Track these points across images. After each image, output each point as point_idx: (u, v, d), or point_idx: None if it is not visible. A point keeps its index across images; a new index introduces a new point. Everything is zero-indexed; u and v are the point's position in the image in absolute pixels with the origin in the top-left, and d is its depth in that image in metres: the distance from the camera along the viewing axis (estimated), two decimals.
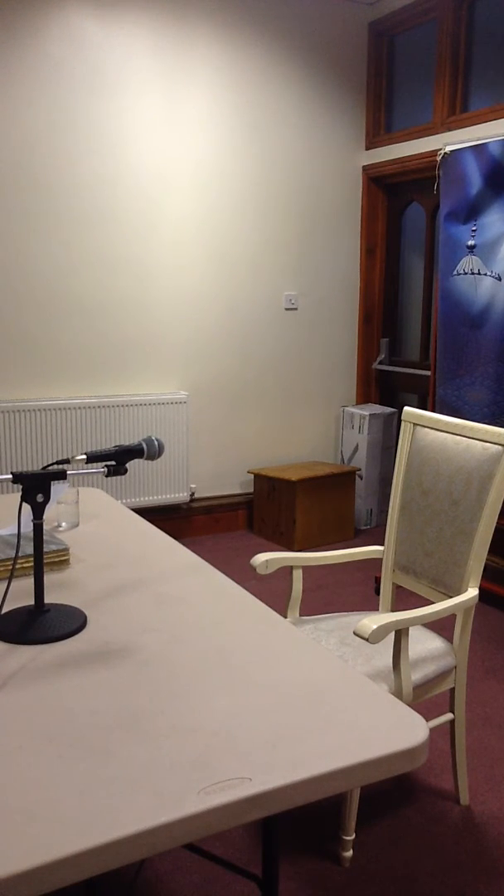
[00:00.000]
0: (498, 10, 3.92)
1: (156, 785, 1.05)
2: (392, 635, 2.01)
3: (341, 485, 4.51)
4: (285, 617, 2.31)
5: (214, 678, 1.33)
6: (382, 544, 2.41)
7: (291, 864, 2.02)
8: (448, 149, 3.59)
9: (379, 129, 4.68)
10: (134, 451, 1.66)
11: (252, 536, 4.63)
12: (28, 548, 1.85)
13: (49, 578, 1.81)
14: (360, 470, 4.71)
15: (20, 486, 1.61)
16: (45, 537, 1.92)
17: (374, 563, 4.08)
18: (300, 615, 2.71)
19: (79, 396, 4.15)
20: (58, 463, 1.56)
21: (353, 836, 2.01)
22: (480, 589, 3.66)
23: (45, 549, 1.84)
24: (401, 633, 1.92)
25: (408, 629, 1.92)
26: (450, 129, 4.11)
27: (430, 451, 2.27)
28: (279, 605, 3.59)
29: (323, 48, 4.51)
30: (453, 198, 3.59)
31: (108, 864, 0.95)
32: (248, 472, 4.64)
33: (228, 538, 4.59)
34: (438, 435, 2.26)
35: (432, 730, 2.51)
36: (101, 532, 2.15)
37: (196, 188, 4.28)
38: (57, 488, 2.15)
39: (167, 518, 4.47)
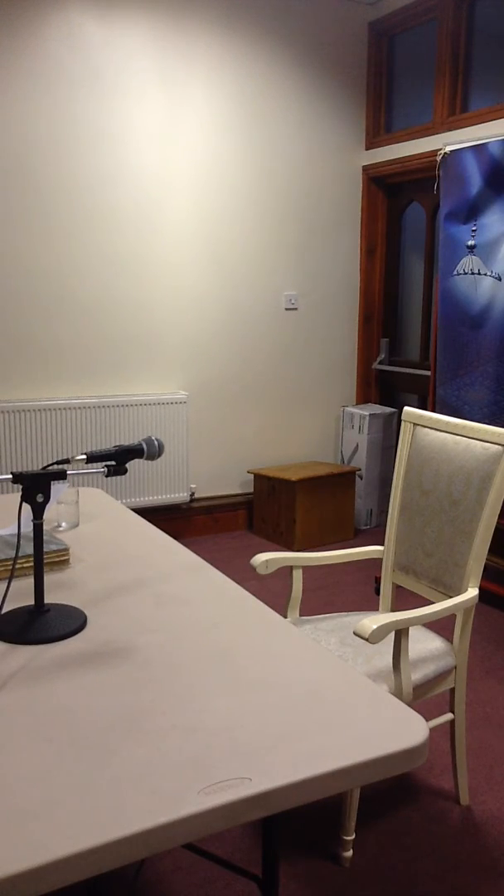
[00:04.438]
0: (498, 10, 3.92)
1: (156, 785, 1.05)
2: (392, 635, 2.01)
3: (341, 485, 4.51)
4: (285, 617, 2.31)
5: (214, 678, 1.33)
6: (382, 544, 2.41)
7: (291, 864, 2.02)
8: (448, 149, 3.59)
9: (379, 129, 4.68)
10: (134, 451, 1.66)
11: (252, 536, 4.63)
12: (28, 548, 1.85)
13: (49, 578, 1.81)
14: (360, 470, 4.71)
15: (20, 486, 1.61)
16: (45, 537, 1.92)
17: (374, 563, 4.08)
18: (300, 615, 2.71)
19: (79, 396, 4.15)
20: (58, 463, 1.56)
21: (353, 836, 2.01)
22: (480, 589, 3.66)
23: (45, 549, 1.84)
24: (401, 633, 1.92)
25: (408, 629, 1.92)
26: (450, 129, 4.11)
27: (430, 451, 2.27)
28: (279, 605, 3.59)
29: (323, 48, 4.51)
30: (453, 198, 3.59)
31: (108, 864, 0.95)
32: (248, 472, 4.64)
33: (228, 538, 4.59)
34: (438, 435, 2.26)
35: (432, 730, 2.51)
36: (101, 532, 2.15)
37: (196, 188, 4.28)
38: (57, 488, 2.15)
39: (167, 518, 4.47)
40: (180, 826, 0.99)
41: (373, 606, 3.65)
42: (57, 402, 3.99)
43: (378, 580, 3.77)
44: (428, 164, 4.24)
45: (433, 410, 3.80)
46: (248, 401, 4.67)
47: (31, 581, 1.78)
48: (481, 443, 2.12)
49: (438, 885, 1.95)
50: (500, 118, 3.80)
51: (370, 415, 4.64)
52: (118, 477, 3.87)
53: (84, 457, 1.57)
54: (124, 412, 4.16)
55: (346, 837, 2.00)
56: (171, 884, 1.94)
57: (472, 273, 3.53)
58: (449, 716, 2.18)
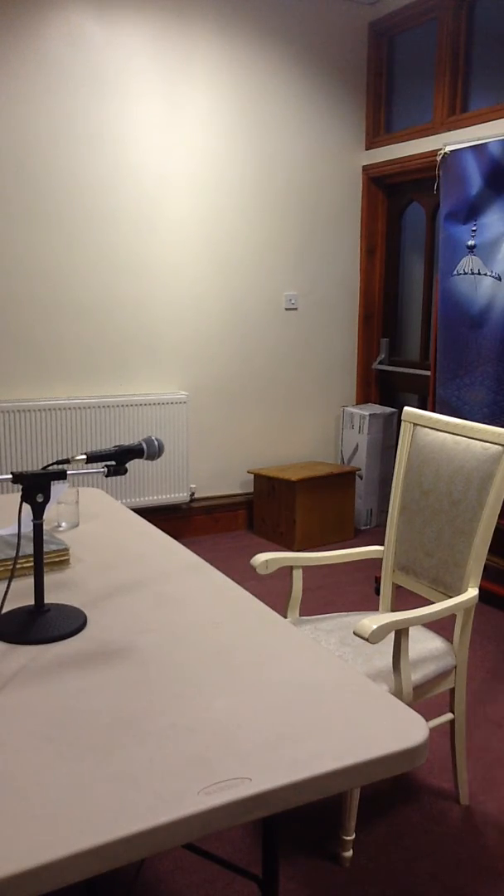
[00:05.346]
0: (498, 10, 3.92)
1: (156, 785, 1.05)
2: (392, 635, 2.01)
3: (341, 485, 4.51)
4: (285, 617, 2.31)
5: (214, 678, 1.33)
6: (382, 544, 2.41)
7: (291, 864, 2.02)
8: (448, 149, 3.59)
9: (379, 130, 4.68)
10: (134, 451, 1.66)
11: (252, 536, 4.63)
12: (28, 548, 1.85)
13: (49, 578, 1.81)
14: (360, 470, 4.71)
15: (20, 486, 1.61)
16: (45, 537, 1.92)
17: (374, 563, 4.08)
18: (300, 615, 2.71)
19: (79, 396, 4.15)
20: (58, 463, 1.56)
21: (353, 836, 2.01)
22: (480, 589, 3.66)
23: (45, 549, 1.84)
24: (401, 633, 1.92)
25: (408, 629, 1.92)
26: (450, 129, 4.11)
27: (430, 451, 2.27)
28: (279, 605, 3.59)
29: (323, 48, 4.51)
30: (453, 198, 3.59)
31: (108, 864, 0.95)
32: (248, 472, 4.64)
33: (228, 538, 4.59)
34: (438, 435, 2.26)
35: (432, 730, 2.51)
36: (101, 532, 2.15)
37: (196, 188, 4.28)
38: (57, 488, 2.15)
39: (167, 518, 4.47)
40: (180, 826, 0.99)
41: (373, 606, 3.65)
42: (57, 402, 3.99)
43: (378, 580, 3.77)
44: (428, 164, 4.24)
45: (433, 410, 3.80)
46: (248, 401, 4.67)
47: (31, 581, 1.78)
48: (481, 443, 2.12)
49: (438, 886, 1.95)
50: (500, 118, 3.80)
51: (370, 415, 4.64)
52: (118, 477, 3.87)
53: (84, 457, 1.57)
54: (124, 412, 4.16)
55: (346, 837, 2.00)
56: (171, 884, 1.94)
57: (472, 273, 3.53)
58: (449, 716, 2.18)
